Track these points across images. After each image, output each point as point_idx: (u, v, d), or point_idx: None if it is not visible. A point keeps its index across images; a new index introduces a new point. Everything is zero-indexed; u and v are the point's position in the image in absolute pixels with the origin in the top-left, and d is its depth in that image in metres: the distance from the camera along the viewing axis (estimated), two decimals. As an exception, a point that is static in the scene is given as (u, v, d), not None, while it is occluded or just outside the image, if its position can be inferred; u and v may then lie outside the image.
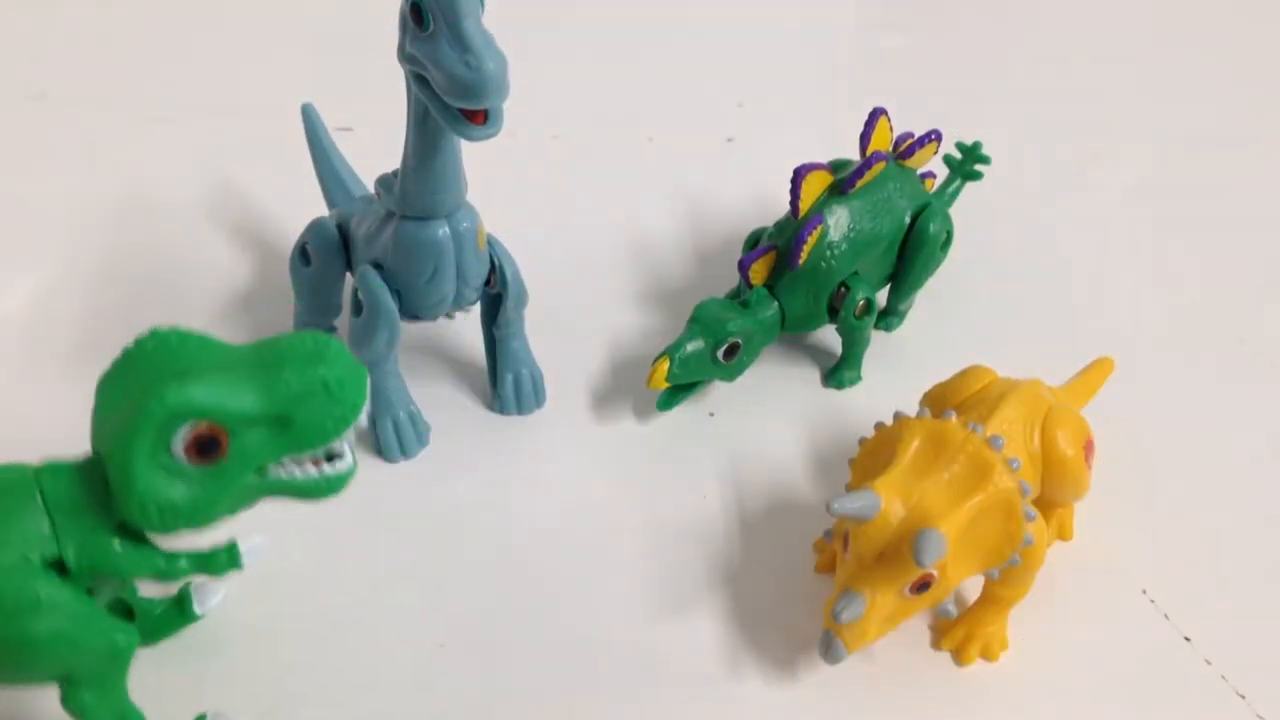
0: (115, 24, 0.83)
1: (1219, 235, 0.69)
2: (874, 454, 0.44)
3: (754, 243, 0.58)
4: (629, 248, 0.65)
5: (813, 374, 0.58)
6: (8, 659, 0.35)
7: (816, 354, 0.59)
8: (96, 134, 0.73)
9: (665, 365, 0.51)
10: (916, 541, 0.38)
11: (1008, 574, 0.43)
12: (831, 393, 0.57)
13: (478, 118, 0.41)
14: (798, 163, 0.53)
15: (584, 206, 0.69)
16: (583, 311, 0.60)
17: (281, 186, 0.67)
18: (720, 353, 0.52)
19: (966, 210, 0.62)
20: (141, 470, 0.34)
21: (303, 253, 0.54)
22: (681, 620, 0.46)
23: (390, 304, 0.49)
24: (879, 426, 0.45)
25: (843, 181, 0.54)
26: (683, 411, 0.55)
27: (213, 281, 0.61)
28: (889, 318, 0.60)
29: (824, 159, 0.55)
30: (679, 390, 0.54)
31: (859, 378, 0.57)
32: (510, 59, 0.40)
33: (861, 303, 0.55)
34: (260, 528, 0.41)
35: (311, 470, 0.36)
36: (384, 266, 0.49)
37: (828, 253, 0.53)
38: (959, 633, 0.45)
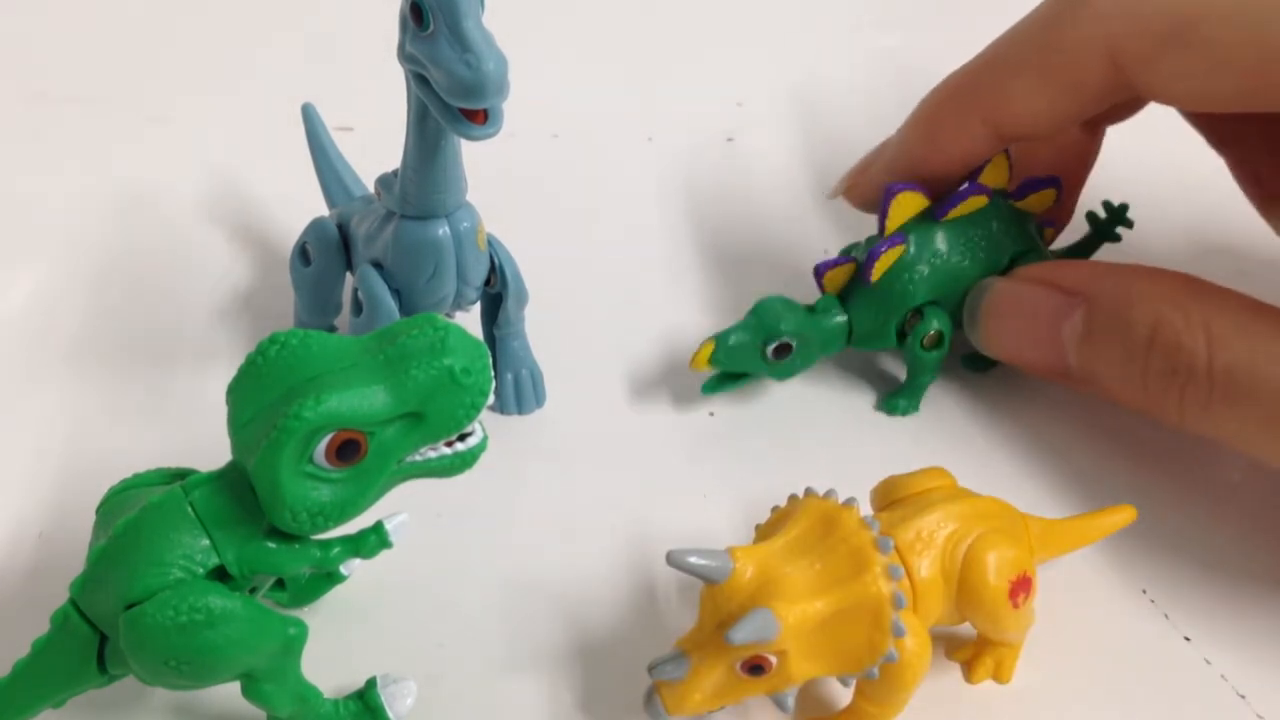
0: (115, 24, 0.83)
1: (1225, 224, 0.69)
2: (776, 525, 0.41)
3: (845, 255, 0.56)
4: (629, 248, 0.65)
5: (812, 374, 0.57)
6: (193, 670, 0.36)
7: (821, 360, 0.59)
8: (96, 134, 0.73)
9: (710, 348, 0.51)
10: (742, 617, 0.35)
11: (868, 685, 0.39)
12: (831, 396, 0.57)
13: (478, 117, 0.42)
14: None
15: (584, 206, 0.68)
16: (582, 311, 0.60)
17: (281, 186, 0.67)
18: (770, 350, 0.52)
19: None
20: (287, 482, 0.35)
21: (303, 252, 0.54)
22: (680, 617, 0.46)
23: (390, 303, 0.49)
24: (792, 498, 0.41)
25: (935, 208, 0.52)
26: (682, 412, 0.55)
27: (213, 281, 0.61)
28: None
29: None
30: (726, 378, 0.54)
31: (915, 408, 0.55)
32: (510, 59, 0.41)
33: (933, 333, 0.53)
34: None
35: (444, 449, 0.37)
36: (384, 266, 0.50)
37: (905, 275, 0.52)
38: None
